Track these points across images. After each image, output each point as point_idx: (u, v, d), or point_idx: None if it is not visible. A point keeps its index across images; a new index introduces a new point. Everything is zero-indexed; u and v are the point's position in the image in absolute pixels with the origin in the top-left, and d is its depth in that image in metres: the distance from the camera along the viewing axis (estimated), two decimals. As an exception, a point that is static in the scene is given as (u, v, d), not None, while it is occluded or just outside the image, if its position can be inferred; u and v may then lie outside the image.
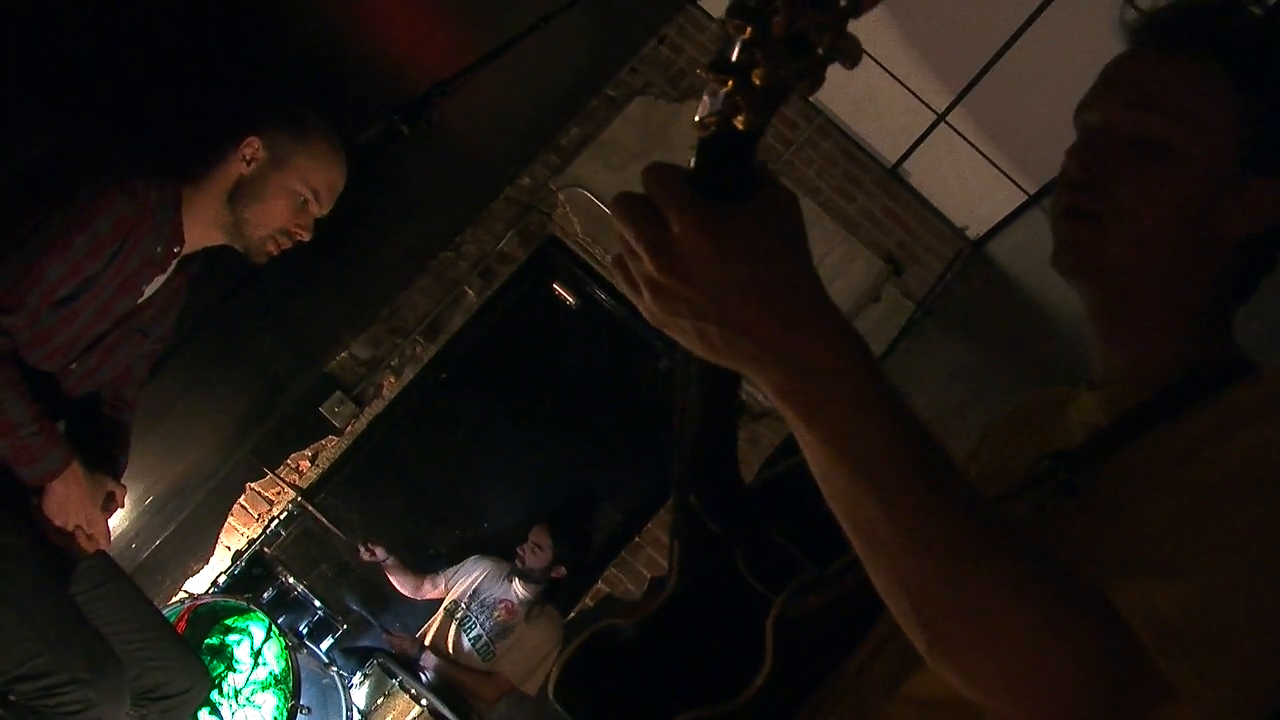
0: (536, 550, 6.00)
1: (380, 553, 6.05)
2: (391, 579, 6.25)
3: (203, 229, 3.03)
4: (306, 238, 3.14)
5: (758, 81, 0.85)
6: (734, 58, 0.85)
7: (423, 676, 5.63)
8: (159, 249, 2.92)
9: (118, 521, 4.48)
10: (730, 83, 0.86)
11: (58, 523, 2.94)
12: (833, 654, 1.44)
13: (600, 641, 1.55)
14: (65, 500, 2.92)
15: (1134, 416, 1.32)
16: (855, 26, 0.89)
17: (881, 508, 0.99)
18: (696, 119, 0.90)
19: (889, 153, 7.01)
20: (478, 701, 5.97)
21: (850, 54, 0.86)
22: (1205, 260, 1.36)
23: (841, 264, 6.83)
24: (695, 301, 0.95)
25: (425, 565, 6.47)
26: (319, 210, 3.14)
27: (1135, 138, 1.36)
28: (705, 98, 0.90)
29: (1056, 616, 0.99)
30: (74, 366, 2.95)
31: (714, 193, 0.94)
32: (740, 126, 0.88)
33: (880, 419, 0.98)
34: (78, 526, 2.99)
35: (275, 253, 3.12)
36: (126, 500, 3.21)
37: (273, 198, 3.03)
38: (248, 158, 3.01)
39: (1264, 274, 1.43)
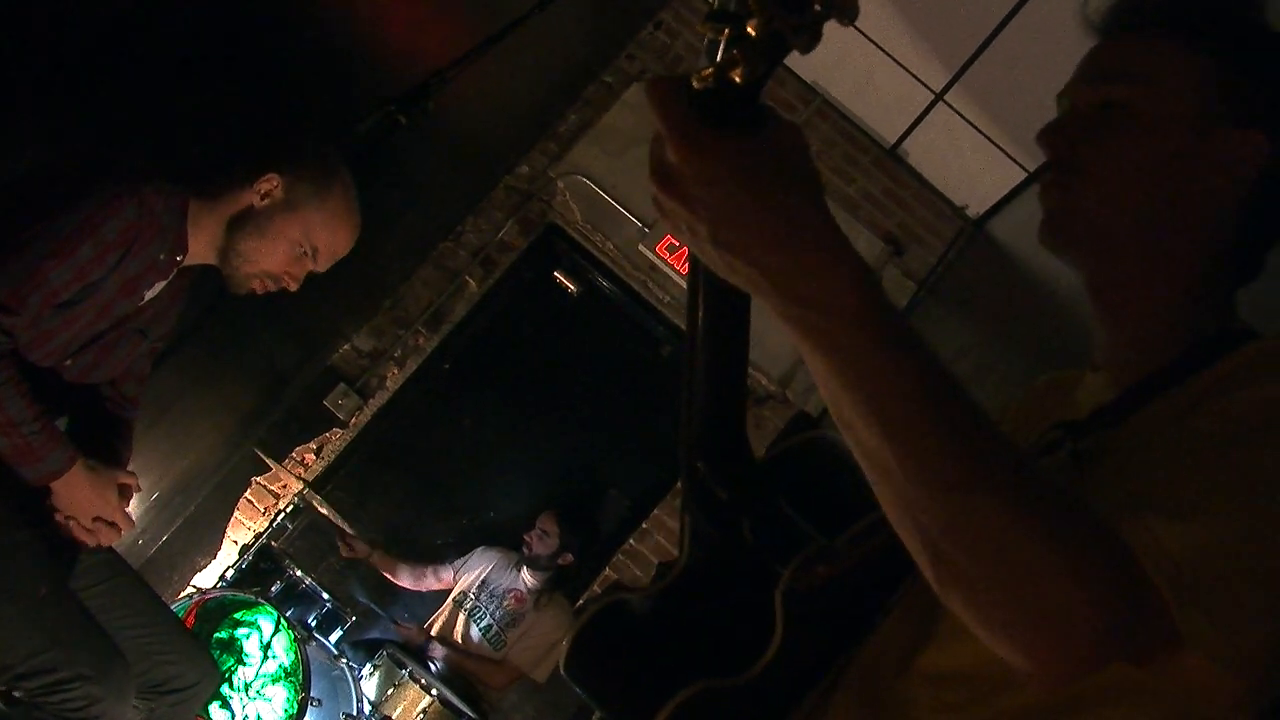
0: (544, 537, 6.01)
1: (361, 547, 6.02)
2: (384, 573, 6.24)
3: (201, 245, 3.01)
4: (294, 288, 3.12)
5: (753, 32, 0.86)
6: (731, 8, 0.86)
7: (432, 666, 5.63)
8: (162, 256, 2.91)
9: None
10: (726, 32, 0.87)
11: (78, 519, 2.95)
12: (845, 627, 1.44)
13: (611, 615, 1.55)
14: (73, 499, 2.91)
15: (1138, 390, 1.32)
16: (853, 3, 0.90)
17: (887, 436, 1.00)
18: (697, 72, 0.92)
19: (888, 133, 7.00)
20: (488, 689, 5.98)
21: (847, 9, 0.87)
22: (1191, 220, 1.36)
23: (843, 246, 6.82)
24: (693, 222, 0.98)
25: (431, 555, 6.47)
26: (315, 268, 3.11)
27: (1100, 108, 1.38)
28: (705, 54, 0.92)
29: (1062, 546, 1.00)
30: (69, 364, 2.94)
31: (717, 119, 0.95)
32: (738, 79, 0.89)
33: (885, 348, 0.99)
34: (97, 518, 2.99)
35: (259, 292, 3.08)
36: (133, 496, 3.21)
37: (274, 239, 3.00)
38: (263, 192, 2.97)
39: (1268, 244, 1.42)
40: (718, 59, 0.90)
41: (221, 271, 3.05)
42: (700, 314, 1.25)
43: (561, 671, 1.54)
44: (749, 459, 1.45)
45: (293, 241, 3.02)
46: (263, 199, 2.98)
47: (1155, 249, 1.37)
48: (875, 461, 1.03)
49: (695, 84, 0.93)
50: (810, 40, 0.87)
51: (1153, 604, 1.01)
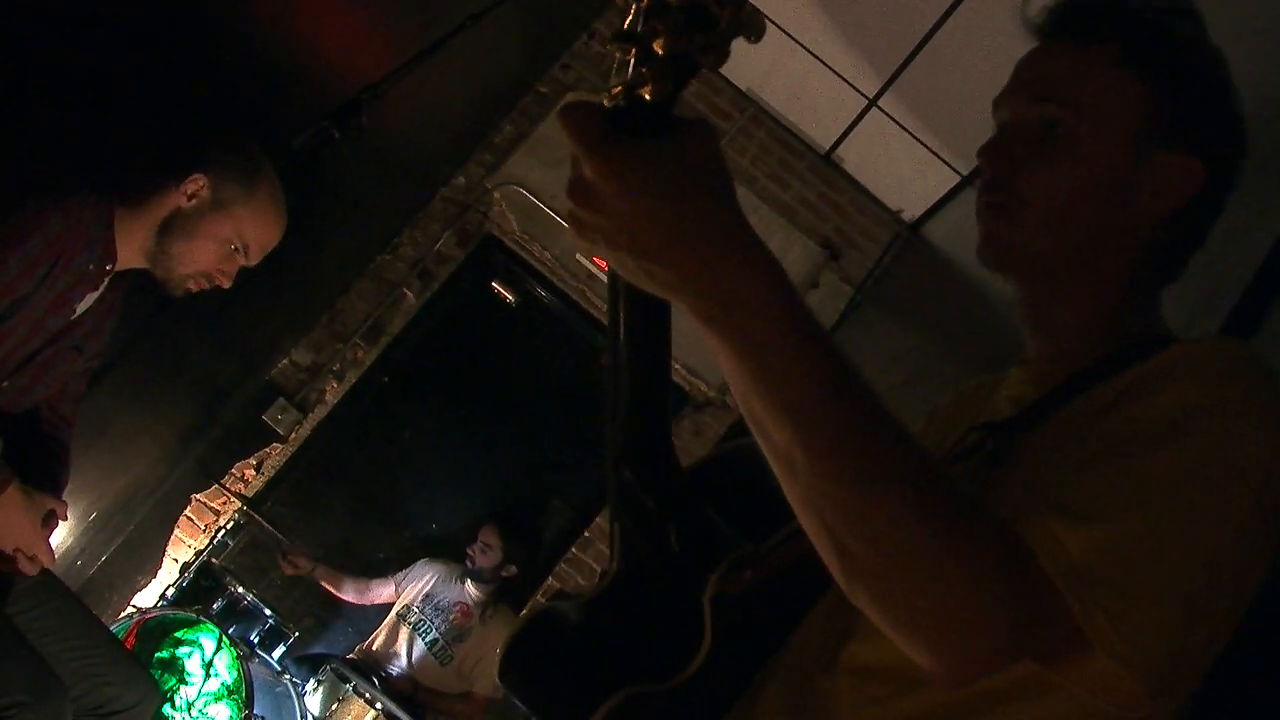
0: (486, 550, 5.99)
1: (303, 563, 5.98)
2: (328, 588, 6.20)
3: (131, 251, 2.99)
4: (227, 285, 3.12)
5: (660, 51, 0.87)
6: (638, 29, 0.87)
7: (374, 680, 5.60)
8: (91, 266, 2.89)
9: (62, 539, 4.45)
10: (634, 52, 0.88)
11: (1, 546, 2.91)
12: (775, 631, 1.45)
13: (543, 624, 1.57)
14: (4, 523, 2.88)
15: (1060, 390, 1.36)
16: (787, 11, 0.91)
17: (794, 432, 1.02)
18: (608, 89, 0.93)
19: (822, 139, 7.05)
20: None
21: (754, 28, 0.89)
22: (1124, 240, 1.40)
23: (779, 251, 6.71)
24: (609, 233, 1.00)
25: (374, 569, 6.45)
26: (246, 262, 3.11)
27: (1039, 129, 1.40)
28: (615, 71, 0.93)
29: (964, 546, 1.02)
30: (5, 385, 2.91)
31: (631, 130, 0.97)
32: (648, 97, 0.90)
33: (794, 345, 1.01)
34: (18, 549, 2.95)
35: (194, 290, 3.08)
36: (70, 517, 3.17)
37: (203, 239, 3.00)
38: (190, 193, 2.97)
39: (1191, 250, 1.46)
40: (626, 78, 0.91)
41: (154, 274, 3.04)
42: (621, 325, 1.27)
43: (497, 680, 1.55)
44: (675, 467, 1.46)
45: (223, 240, 3.03)
46: (190, 200, 2.98)
47: (1088, 266, 1.40)
48: (784, 458, 1.05)
49: (606, 103, 0.94)
50: (718, 58, 0.89)
51: (1054, 605, 1.03)
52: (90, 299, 2.98)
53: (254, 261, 3.14)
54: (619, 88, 0.93)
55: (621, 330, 1.27)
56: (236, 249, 3.06)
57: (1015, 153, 1.41)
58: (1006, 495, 1.17)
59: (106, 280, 3.00)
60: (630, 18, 0.89)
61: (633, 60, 0.91)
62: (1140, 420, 1.15)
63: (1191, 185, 1.38)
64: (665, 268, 1.00)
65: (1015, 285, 1.48)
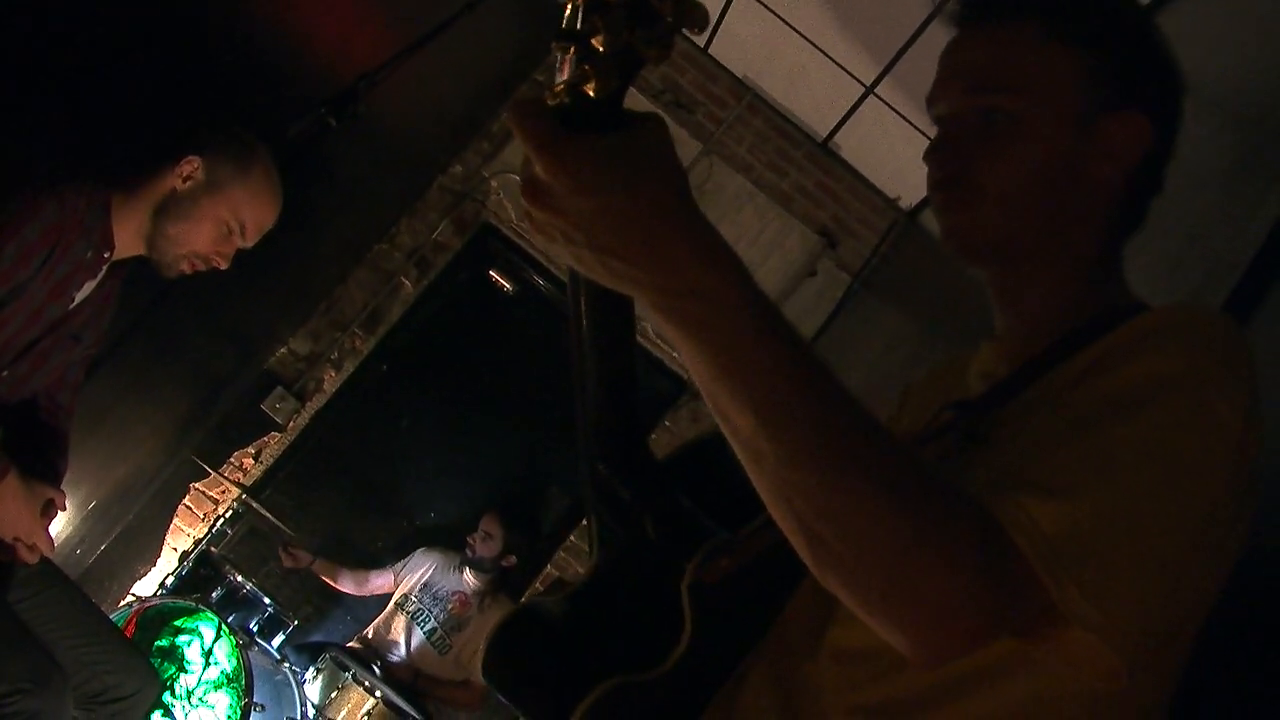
0: (487, 539, 6.01)
1: (304, 556, 6.00)
2: (327, 580, 6.22)
3: (128, 237, 3.01)
4: (224, 266, 3.13)
5: (601, 48, 0.87)
6: (577, 26, 0.87)
7: (374, 669, 5.61)
8: (89, 254, 2.90)
9: (61, 528, 4.46)
10: (573, 49, 0.88)
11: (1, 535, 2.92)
12: (757, 617, 1.46)
13: (526, 618, 1.57)
14: (3, 512, 2.89)
15: (1030, 365, 1.36)
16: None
17: (760, 420, 1.02)
18: (552, 86, 0.93)
19: (820, 127, 7.04)
20: (461, 710, 6.01)
21: (696, 20, 0.89)
22: (1086, 210, 1.41)
23: (776, 239, 6.86)
24: (566, 230, 0.99)
25: (372, 558, 6.46)
26: (242, 243, 3.13)
27: (980, 118, 1.40)
28: (560, 68, 0.93)
29: (935, 528, 1.02)
30: (5, 374, 2.92)
31: (580, 127, 0.96)
32: (591, 94, 0.90)
33: (754, 333, 1.01)
34: (17, 538, 2.96)
35: (189, 272, 3.10)
36: (69, 506, 3.18)
37: (199, 220, 3.02)
38: (185, 175, 2.99)
39: (1151, 197, 1.47)
40: (568, 75, 0.91)
41: (150, 257, 3.06)
42: (583, 318, 1.27)
43: (481, 676, 1.55)
44: (648, 458, 1.47)
45: (219, 220, 3.05)
46: (185, 182, 3.00)
47: (1054, 242, 1.41)
48: (750, 448, 1.05)
49: (550, 101, 0.94)
50: (661, 52, 0.89)
51: (1029, 581, 1.03)
52: (89, 287, 2.99)
53: (250, 242, 3.15)
54: (561, 85, 0.93)
55: (584, 323, 1.27)
56: (232, 230, 3.08)
57: (962, 148, 1.41)
58: (979, 474, 1.17)
59: (105, 268, 3.00)
60: (569, 14, 0.89)
61: (573, 58, 0.90)
62: (1109, 392, 1.15)
63: (1142, 140, 1.39)
64: (621, 261, 0.99)
65: (984, 271, 1.49)
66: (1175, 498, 1.08)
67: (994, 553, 1.03)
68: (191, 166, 3.00)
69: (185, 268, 3.08)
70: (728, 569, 1.40)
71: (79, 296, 2.98)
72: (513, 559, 6.05)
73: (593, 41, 0.88)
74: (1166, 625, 1.11)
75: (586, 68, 0.89)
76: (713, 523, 1.47)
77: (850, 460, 1.02)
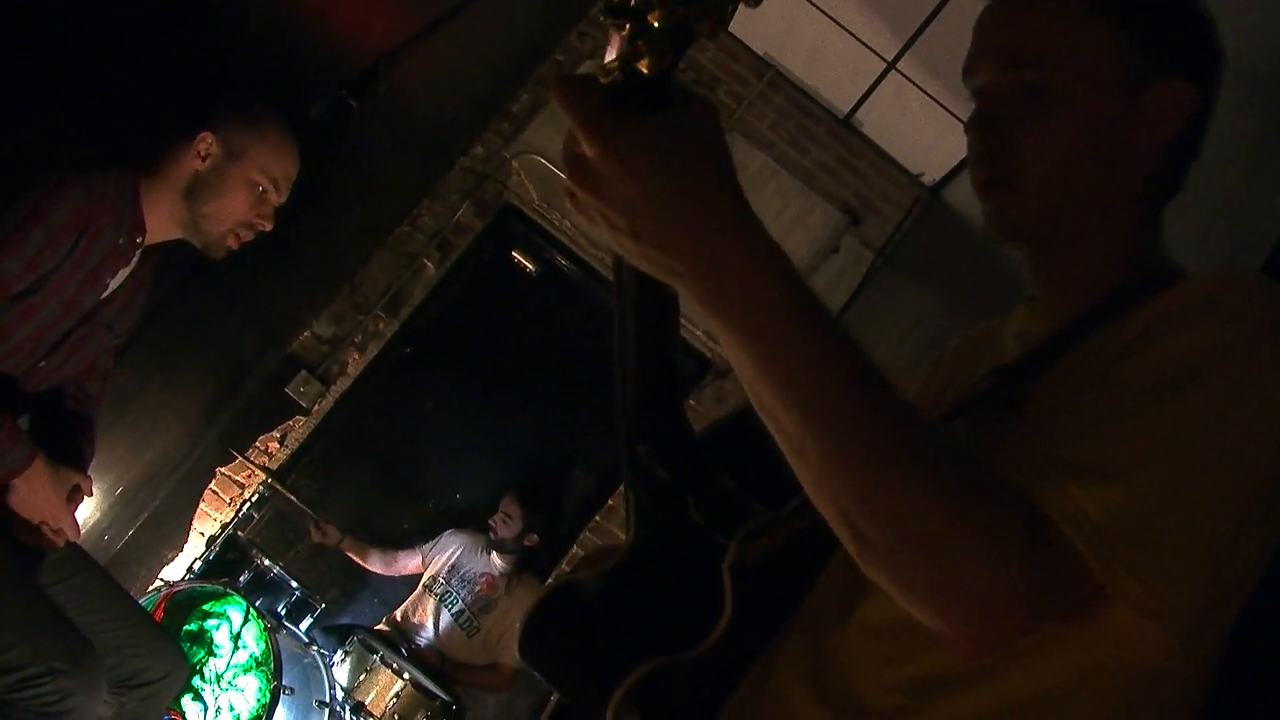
0: (507, 520, 6.02)
1: (333, 533, 6.01)
2: (355, 559, 6.24)
3: (160, 223, 3.02)
4: (268, 227, 3.15)
5: (655, 23, 0.86)
6: (631, 1, 0.86)
7: (402, 651, 5.63)
8: (121, 240, 2.91)
9: (89, 513, 4.48)
10: (628, 26, 0.87)
11: (23, 518, 2.93)
12: (792, 596, 1.45)
13: (562, 597, 1.56)
14: (30, 497, 2.90)
15: (1070, 328, 1.35)
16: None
17: (802, 418, 1.02)
18: (604, 64, 0.92)
19: (841, 103, 7.00)
20: (489, 693, 6.05)
21: None
22: (1128, 180, 1.39)
23: (799, 217, 6.83)
24: (610, 216, 0.99)
25: (399, 540, 6.47)
26: (277, 199, 3.14)
27: (1021, 94, 1.38)
28: (610, 46, 0.91)
29: (975, 521, 1.01)
30: (43, 364, 2.93)
31: (629, 104, 0.95)
32: (645, 70, 0.89)
33: (799, 330, 1.01)
34: (43, 522, 2.97)
35: (235, 247, 3.12)
36: (97, 492, 3.20)
37: (232, 191, 3.04)
38: (202, 153, 3.01)
39: (1189, 164, 1.46)
40: (621, 52, 0.89)
41: (195, 242, 3.09)
42: (626, 297, 1.25)
43: (517, 655, 1.54)
44: (689, 437, 1.45)
45: (251, 184, 3.07)
46: (204, 159, 3.02)
47: (1094, 213, 1.39)
48: (793, 443, 1.05)
49: (602, 79, 0.92)
50: (715, 25, 0.88)
51: (1075, 565, 1.03)
52: (122, 274, 3.00)
53: (284, 196, 3.18)
54: (615, 63, 0.91)
55: (627, 303, 1.26)
56: (266, 189, 3.10)
57: (1003, 121, 1.39)
58: (1021, 445, 1.16)
59: (137, 254, 3.01)
60: None
61: (627, 34, 0.89)
62: (1154, 367, 1.13)
63: (1184, 108, 1.37)
64: (666, 253, 0.99)
65: (1025, 254, 1.48)
66: (1224, 473, 1.07)
67: (1039, 543, 1.03)
68: (206, 143, 3.02)
69: (231, 243, 3.10)
70: (769, 547, 1.39)
71: (113, 284, 3.00)
72: (535, 538, 6.05)
73: (648, 17, 0.86)
74: (1217, 600, 1.10)
75: (640, 44, 0.88)
76: (753, 500, 1.46)
77: (895, 457, 1.02)
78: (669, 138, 0.96)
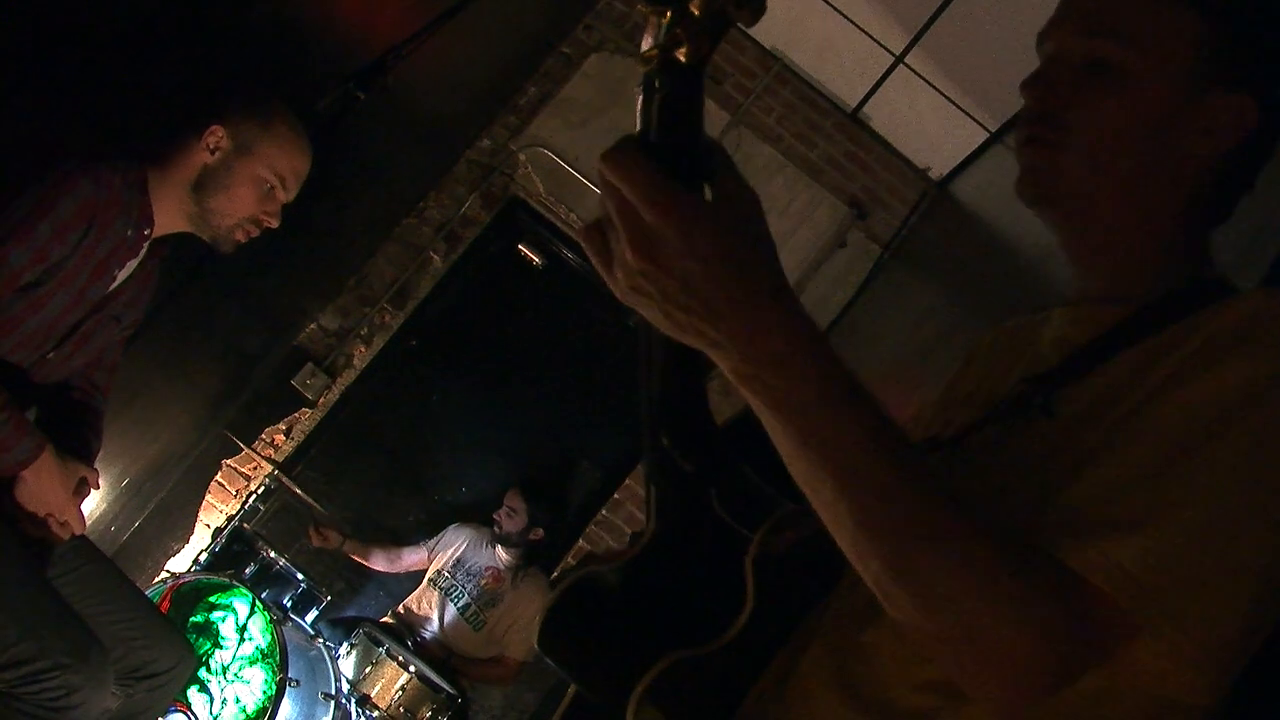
0: (512, 514, 6.02)
1: (334, 536, 6.02)
2: (358, 560, 6.25)
3: (169, 215, 3.02)
4: (275, 224, 3.14)
5: (696, 11, 0.86)
6: None
7: (408, 644, 5.63)
8: (129, 232, 2.90)
9: (95, 505, 4.48)
10: (669, 14, 0.87)
11: (30, 510, 2.93)
12: (814, 589, 1.45)
13: (582, 589, 1.55)
14: (37, 488, 2.90)
15: (1109, 336, 1.33)
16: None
17: (838, 489, 1.05)
18: (641, 52, 0.92)
19: (849, 97, 7.00)
20: (494, 686, 6.06)
21: None
22: (1172, 180, 1.36)
23: (806, 211, 6.83)
24: (666, 288, 0.99)
25: (404, 533, 6.48)
26: (285, 197, 3.14)
27: (1088, 64, 1.36)
28: (648, 34, 0.91)
29: (1007, 594, 1.03)
30: (51, 356, 2.93)
31: (668, 158, 0.96)
32: (683, 59, 0.89)
33: (836, 407, 1.03)
34: (50, 514, 2.97)
35: (243, 240, 3.11)
36: (103, 483, 3.19)
37: (239, 186, 3.02)
38: (211, 146, 2.99)
39: (1241, 193, 1.43)
40: (660, 40, 0.90)
41: (203, 236, 3.08)
42: None
43: (535, 648, 1.53)
44: (712, 430, 1.45)
45: (258, 180, 3.06)
46: (213, 153, 3.01)
47: (1133, 207, 1.37)
48: (830, 511, 1.08)
49: (641, 66, 0.93)
50: (754, 13, 0.88)
51: (1110, 619, 1.04)
52: (130, 266, 3.00)
53: (293, 194, 3.17)
54: (654, 50, 0.91)
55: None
56: (273, 186, 3.09)
57: (1062, 86, 1.37)
58: (1040, 448, 1.18)
59: (146, 246, 3.01)
60: None
61: (666, 22, 0.89)
62: (1190, 409, 1.12)
63: (1245, 125, 1.34)
64: (713, 328, 1.00)
65: (1052, 223, 1.45)
66: (1265, 515, 1.07)
67: (1072, 603, 1.04)
68: (215, 136, 3.00)
69: (240, 236, 3.09)
70: (793, 541, 1.39)
71: (121, 276, 2.99)
72: (540, 532, 6.06)
73: (689, 5, 0.86)
74: (1250, 642, 1.10)
75: (679, 31, 0.88)
76: (777, 492, 1.45)
77: (928, 532, 1.05)
78: (723, 217, 0.99)
